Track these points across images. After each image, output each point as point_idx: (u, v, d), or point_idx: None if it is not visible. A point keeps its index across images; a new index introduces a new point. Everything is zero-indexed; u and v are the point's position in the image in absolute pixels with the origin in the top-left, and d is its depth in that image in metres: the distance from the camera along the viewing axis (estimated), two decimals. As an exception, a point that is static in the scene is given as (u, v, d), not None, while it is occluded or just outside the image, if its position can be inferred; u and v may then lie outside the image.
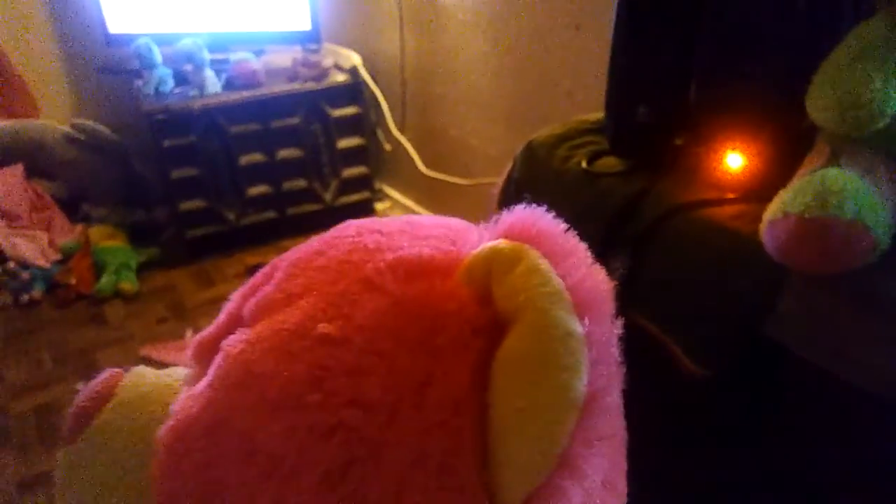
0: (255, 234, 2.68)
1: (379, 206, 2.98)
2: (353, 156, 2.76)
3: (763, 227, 0.67)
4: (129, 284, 2.41)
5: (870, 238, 0.60)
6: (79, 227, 2.62)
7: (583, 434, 0.35)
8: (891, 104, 0.64)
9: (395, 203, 2.97)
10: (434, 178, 2.59)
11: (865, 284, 0.64)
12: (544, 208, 0.41)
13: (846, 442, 0.71)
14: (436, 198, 2.69)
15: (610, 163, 0.96)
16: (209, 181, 2.52)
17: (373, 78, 2.73)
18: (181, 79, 2.53)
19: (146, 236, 2.71)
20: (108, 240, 2.56)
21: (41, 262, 2.45)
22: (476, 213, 2.33)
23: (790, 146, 0.76)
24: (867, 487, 0.71)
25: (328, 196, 2.75)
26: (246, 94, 2.48)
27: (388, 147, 2.89)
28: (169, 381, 0.48)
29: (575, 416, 0.34)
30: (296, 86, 2.55)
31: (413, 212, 2.84)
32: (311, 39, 2.66)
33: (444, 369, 0.36)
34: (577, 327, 0.35)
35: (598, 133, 1.03)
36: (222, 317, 0.46)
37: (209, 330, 0.46)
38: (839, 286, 0.65)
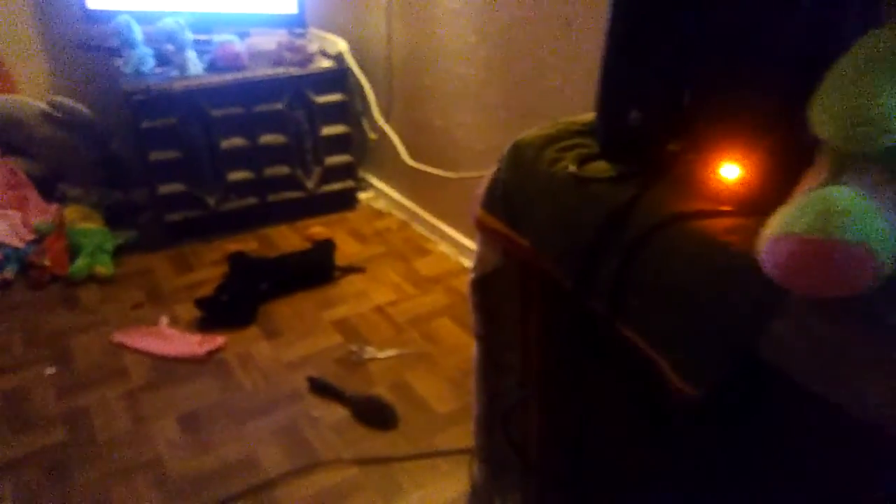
0: (236, 221, 2.63)
1: (362, 195, 2.94)
2: (336, 143, 2.71)
3: (761, 245, 0.64)
4: (104, 267, 2.36)
5: (875, 262, 0.57)
6: (54, 207, 2.56)
7: None
8: (900, 121, 0.61)
9: (379, 193, 2.93)
10: (418, 170, 2.55)
11: (868, 310, 0.61)
12: None
13: (842, 472, 0.68)
14: (420, 189, 2.65)
15: (600, 167, 0.93)
16: (189, 164, 2.47)
17: (359, 65, 2.68)
18: (162, 59, 2.47)
19: (123, 218, 2.66)
20: (84, 221, 2.50)
21: (14, 242, 2.39)
22: (460, 206, 2.30)
23: (790, 158, 0.73)
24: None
25: (310, 184, 2.70)
26: (229, 76, 2.43)
27: (372, 136, 2.85)
28: None
29: None
30: (280, 70, 2.50)
31: (396, 202, 2.80)
32: (296, 23, 2.61)
33: None
34: None
35: (588, 136, 0.99)
36: None
37: None
38: (840, 311, 0.62)
